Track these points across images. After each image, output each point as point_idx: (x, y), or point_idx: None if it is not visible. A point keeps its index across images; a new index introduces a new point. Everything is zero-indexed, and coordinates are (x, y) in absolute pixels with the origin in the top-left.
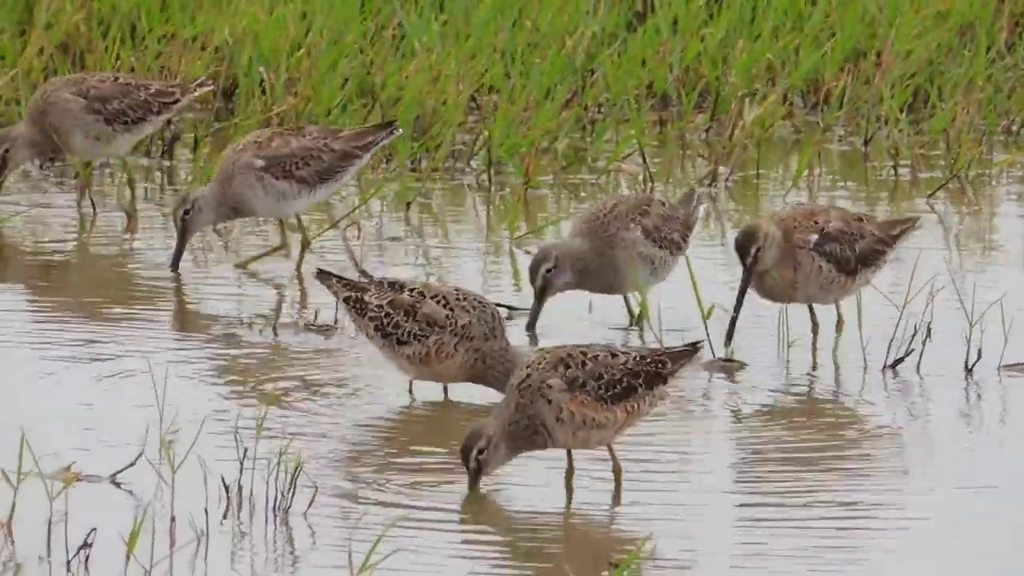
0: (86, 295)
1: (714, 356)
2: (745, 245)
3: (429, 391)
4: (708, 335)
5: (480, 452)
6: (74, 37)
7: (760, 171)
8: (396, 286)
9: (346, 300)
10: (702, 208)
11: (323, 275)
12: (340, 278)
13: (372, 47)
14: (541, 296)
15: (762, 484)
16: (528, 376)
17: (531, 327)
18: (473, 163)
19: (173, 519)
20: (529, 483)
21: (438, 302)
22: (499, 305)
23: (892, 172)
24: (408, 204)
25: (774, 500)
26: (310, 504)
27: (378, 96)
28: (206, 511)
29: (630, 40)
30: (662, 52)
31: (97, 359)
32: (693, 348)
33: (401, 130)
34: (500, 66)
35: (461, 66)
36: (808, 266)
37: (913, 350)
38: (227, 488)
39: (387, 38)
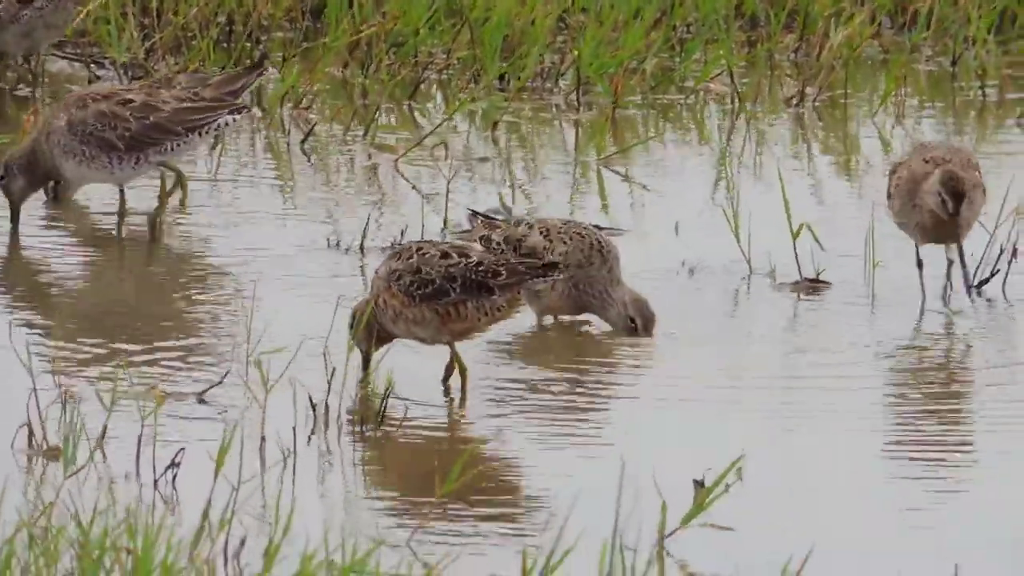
0: (171, 211)
1: (801, 276)
2: (960, 192)
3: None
4: (796, 255)
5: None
6: None
7: (848, 91)
8: (519, 223)
9: (480, 239)
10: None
11: (473, 215)
12: (486, 217)
13: None
14: (11, 208)
15: (844, 399)
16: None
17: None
18: (561, 83)
19: (263, 438)
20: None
21: (542, 234)
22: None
23: (979, 93)
24: (495, 124)
25: (854, 418)
26: (399, 424)
27: (467, 16)
28: (294, 430)
29: None
30: None
31: (183, 279)
32: (549, 267)
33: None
34: None
35: None
36: (978, 201)
37: (999, 271)
38: (315, 407)
39: None
